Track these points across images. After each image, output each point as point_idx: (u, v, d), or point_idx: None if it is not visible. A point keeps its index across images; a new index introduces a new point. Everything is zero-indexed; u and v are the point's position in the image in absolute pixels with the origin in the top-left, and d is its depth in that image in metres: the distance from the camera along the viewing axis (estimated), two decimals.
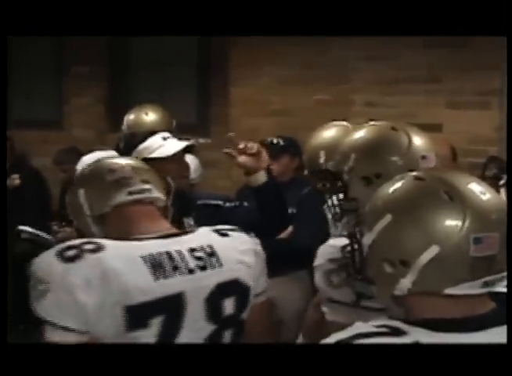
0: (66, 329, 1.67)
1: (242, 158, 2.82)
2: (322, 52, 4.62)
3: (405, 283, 1.39)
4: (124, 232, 1.90)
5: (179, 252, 1.85)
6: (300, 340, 2.41)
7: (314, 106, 4.74)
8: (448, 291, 1.37)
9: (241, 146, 2.81)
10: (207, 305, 1.85)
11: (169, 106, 4.24)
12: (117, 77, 5.79)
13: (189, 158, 3.51)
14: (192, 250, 1.87)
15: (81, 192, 1.98)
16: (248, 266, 1.95)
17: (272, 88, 4.94)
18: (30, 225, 4.02)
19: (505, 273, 1.40)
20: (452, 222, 1.36)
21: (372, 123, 2.06)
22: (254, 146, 2.81)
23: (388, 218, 1.41)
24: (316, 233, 3.99)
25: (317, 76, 4.77)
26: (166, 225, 1.97)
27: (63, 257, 1.71)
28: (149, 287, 1.75)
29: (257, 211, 2.87)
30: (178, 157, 2.92)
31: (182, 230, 2.02)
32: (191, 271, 1.84)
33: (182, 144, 2.92)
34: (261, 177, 2.82)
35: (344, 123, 3.00)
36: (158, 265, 1.79)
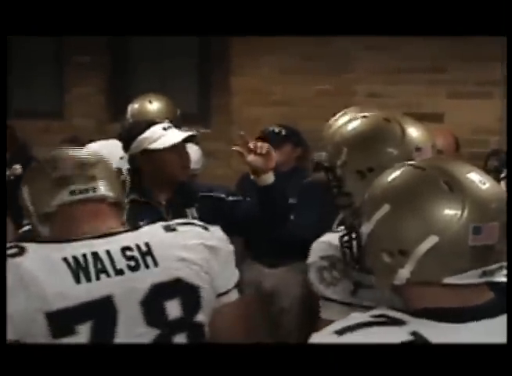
0: None
1: (251, 157, 2.82)
2: (324, 42, 4.59)
3: (404, 273, 1.39)
4: (68, 232, 1.78)
5: (108, 252, 1.72)
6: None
7: (315, 97, 4.73)
8: (447, 280, 1.37)
9: (251, 145, 2.81)
10: (143, 308, 1.72)
11: (170, 96, 4.24)
12: (118, 67, 5.77)
13: (192, 149, 3.51)
14: (124, 249, 1.75)
15: (25, 189, 1.85)
16: (194, 264, 1.79)
17: (273, 78, 4.93)
18: None
19: (504, 263, 1.39)
20: (451, 212, 1.36)
21: (363, 114, 2.00)
22: (264, 147, 2.81)
23: (387, 207, 1.40)
24: (317, 224, 4.00)
25: (318, 66, 4.75)
26: (110, 224, 1.82)
27: None
28: (70, 292, 1.65)
29: (258, 207, 2.87)
30: (179, 147, 2.91)
31: (126, 228, 1.84)
32: (119, 272, 1.71)
33: (183, 135, 2.91)
34: (269, 178, 2.84)
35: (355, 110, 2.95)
36: (81, 268, 1.67)
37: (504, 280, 1.45)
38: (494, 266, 1.37)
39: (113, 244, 1.75)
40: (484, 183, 1.39)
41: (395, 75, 4.54)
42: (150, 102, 3.90)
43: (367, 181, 1.75)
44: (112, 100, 5.66)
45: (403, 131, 1.90)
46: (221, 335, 1.86)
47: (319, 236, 2.07)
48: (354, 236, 1.50)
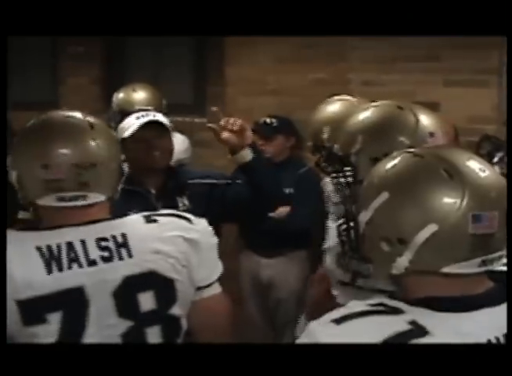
0: None
1: (225, 135, 2.76)
2: None
3: (403, 261, 1.37)
4: (51, 223, 1.75)
5: (83, 242, 1.70)
6: (302, 320, 2.38)
7: (310, 85, 4.71)
8: (446, 269, 1.36)
9: (223, 122, 2.77)
10: (115, 299, 1.71)
11: (165, 86, 4.23)
12: (113, 58, 5.75)
13: (180, 138, 3.50)
14: (100, 239, 1.72)
15: (14, 174, 1.77)
16: (170, 256, 1.76)
17: (269, 67, 4.91)
18: None
19: (503, 252, 1.38)
20: (450, 200, 1.34)
21: (376, 103, 2.03)
22: (236, 122, 2.76)
23: (385, 195, 1.39)
24: (314, 213, 4.00)
25: (313, 55, 4.74)
26: (92, 214, 1.77)
27: None
28: (40, 281, 1.64)
29: (246, 187, 2.83)
30: (150, 136, 2.83)
31: (108, 217, 1.80)
32: (92, 263, 1.70)
33: (141, 121, 2.85)
34: (247, 154, 2.77)
35: (348, 97, 2.95)
36: (53, 258, 1.66)
37: (504, 268, 1.44)
38: (494, 255, 1.36)
39: (91, 234, 1.72)
40: (483, 171, 1.38)
41: (390, 64, 4.53)
42: (134, 90, 3.88)
43: None
44: (107, 91, 5.63)
45: (417, 118, 1.93)
46: (207, 329, 1.86)
47: (315, 225, 2.06)
48: (352, 224, 1.49)
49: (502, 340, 1.34)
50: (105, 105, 5.61)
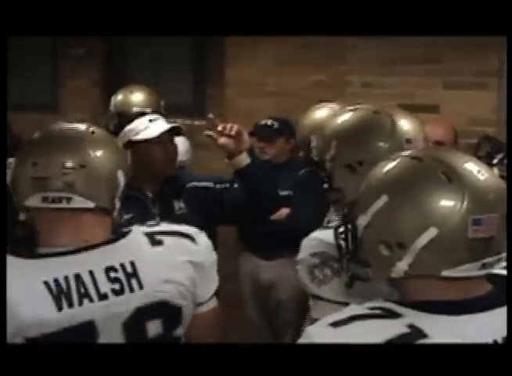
0: None
1: (222, 140, 2.78)
2: None
3: (402, 265, 1.37)
4: (46, 239, 1.70)
5: (91, 273, 1.64)
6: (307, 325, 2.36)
7: (310, 87, 4.70)
8: (446, 273, 1.35)
9: (220, 127, 2.78)
10: (125, 329, 1.68)
11: (165, 88, 4.22)
12: (113, 60, 5.75)
13: (180, 140, 3.50)
14: (109, 269, 1.66)
15: (9, 174, 1.74)
16: (181, 285, 1.73)
17: (268, 68, 4.91)
18: None
19: (503, 255, 1.38)
20: (450, 203, 1.34)
21: (353, 107, 1.95)
22: (233, 128, 2.76)
23: (384, 199, 1.38)
24: (313, 215, 3.99)
25: (313, 57, 4.73)
26: (92, 233, 1.71)
27: None
28: (50, 319, 1.58)
29: (243, 191, 2.84)
30: (164, 140, 2.87)
31: (109, 239, 1.72)
32: (103, 297, 1.64)
33: (167, 126, 2.88)
34: (244, 159, 2.78)
35: (333, 105, 2.96)
36: (63, 292, 1.60)
37: (503, 272, 1.43)
38: (493, 258, 1.36)
39: (96, 263, 1.66)
40: (482, 174, 1.37)
41: (390, 66, 4.52)
42: (132, 92, 3.88)
43: (357, 175, 1.72)
44: (107, 93, 5.63)
45: (393, 123, 1.86)
46: (199, 340, 1.83)
47: (315, 227, 2.04)
48: (350, 227, 1.48)
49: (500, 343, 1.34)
50: (105, 108, 5.61)
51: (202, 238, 1.84)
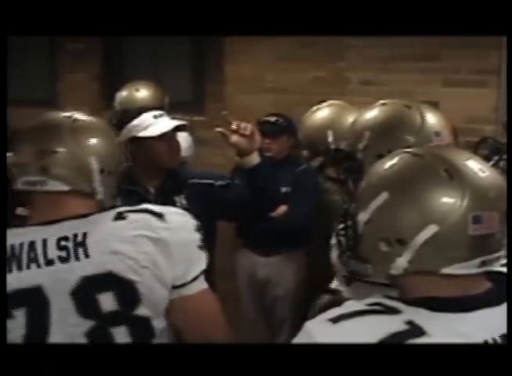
0: None
1: (234, 138, 2.79)
2: None
3: (402, 262, 1.37)
4: (31, 217, 1.83)
5: (44, 241, 1.73)
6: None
7: (309, 84, 4.70)
8: (446, 270, 1.35)
9: (234, 126, 2.78)
10: (74, 299, 1.72)
11: (164, 84, 4.22)
12: (112, 55, 5.74)
13: (182, 136, 3.50)
14: (61, 239, 1.73)
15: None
16: (128, 258, 1.71)
17: (268, 65, 4.90)
18: None
19: (502, 252, 1.38)
20: (451, 200, 1.34)
21: (384, 101, 2.07)
22: (247, 127, 2.78)
23: (385, 195, 1.39)
24: (311, 212, 4.00)
25: (312, 53, 4.73)
26: (73, 210, 1.79)
27: None
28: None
29: (248, 189, 2.85)
30: (169, 136, 2.89)
31: (78, 214, 1.78)
32: (50, 262, 1.72)
33: (173, 123, 2.89)
34: (254, 158, 2.80)
35: (340, 102, 3.00)
36: (14, 257, 1.72)
37: (503, 269, 1.43)
38: (493, 256, 1.36)
39: (52, 233, 1.75)
40: (483, 172, 1.38)
41: (389, 63, 4.51)
42: (137, 90, 3.89)
43: None
44: (106, 88, 5.63)
45: (422, 117, 1.97)
46: (194, 330, 1.82)
47: (314, 223, 2.06)
48: (350, 224, 1.48)
49: (498, 341, 1.34)
50: (104, 102, 5.60)
51: (174, 217, 1.81)
